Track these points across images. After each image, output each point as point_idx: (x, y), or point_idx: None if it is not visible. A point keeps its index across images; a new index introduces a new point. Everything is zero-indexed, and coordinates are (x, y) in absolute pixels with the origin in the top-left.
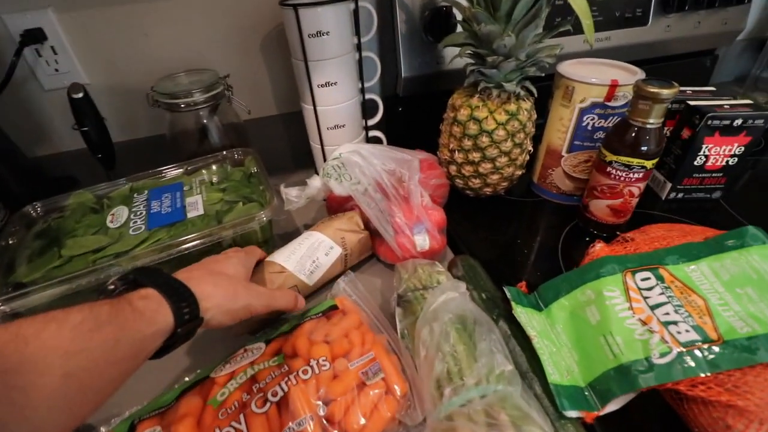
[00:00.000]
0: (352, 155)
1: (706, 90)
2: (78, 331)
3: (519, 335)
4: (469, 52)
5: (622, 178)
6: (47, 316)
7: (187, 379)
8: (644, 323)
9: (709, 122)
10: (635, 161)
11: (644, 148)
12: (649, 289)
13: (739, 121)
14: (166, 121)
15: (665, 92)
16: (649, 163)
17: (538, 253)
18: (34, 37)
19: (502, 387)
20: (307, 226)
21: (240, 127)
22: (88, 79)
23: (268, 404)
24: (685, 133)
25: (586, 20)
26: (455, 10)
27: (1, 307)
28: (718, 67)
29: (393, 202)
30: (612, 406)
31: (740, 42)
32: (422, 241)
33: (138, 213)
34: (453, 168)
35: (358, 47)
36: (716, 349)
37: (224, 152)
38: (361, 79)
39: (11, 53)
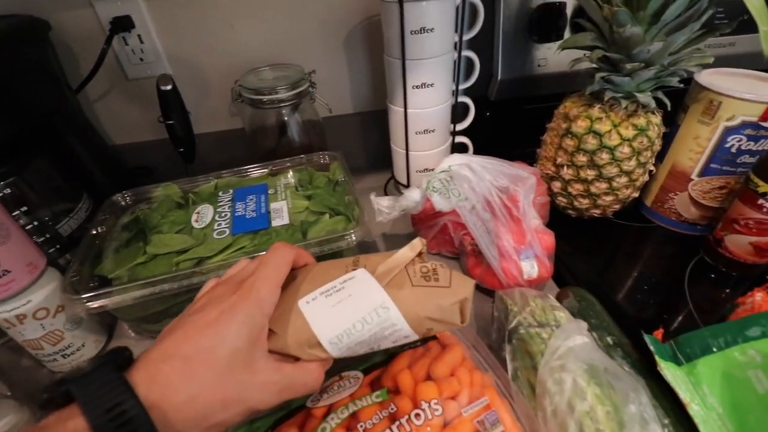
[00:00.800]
0: (461, 168)
1: None
2: None
3: (658, 393)
4: (599, 56)
5: None
6: None
7: None
8: None
9: None
10: None
11: None
12: None
13: None
14: (246, 116)
15: None
16: None
17: (661, 290)
18: (123, 25)
19: None
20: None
21: (318, 124)
22: (171, 69)
23: None
24: None
25: (764, 26)
26: (568, 8)
27: (87, 304)
28: None
29: (501, 222)
30: None
31: None
32: (530, 267)
33: (223, 214)
34: (557, 184)
35: (459, 44)
36: None
37: (307, 155)
38: (457, 80)
39: (99, 40)
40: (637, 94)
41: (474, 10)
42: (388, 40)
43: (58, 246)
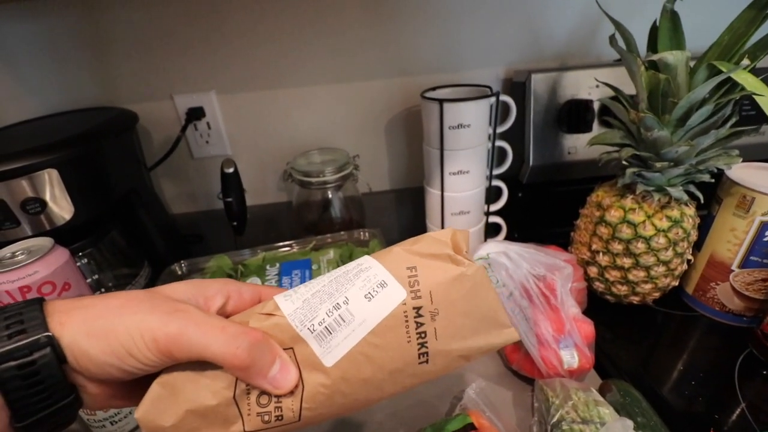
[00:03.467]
0: (499, 256)
1: None
2: None
3: None
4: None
5: None
6: None
7: None
8: None
9: None
10: None
11: None
12: None
13: None
14: (294, 192)
15: None
16: None
17: (709, 385)
18: (196, 114)
19: None
20: None
21: (358, 200)
22: (231, 149)
23: None
24: None
25: None
26: (595, 104)
27: None
28: None
29: (539, 309)
30: None
31: None
32: (570, 357)
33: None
34: (593, 270)
35: (492, 137)
36: None
37: (347, 232)
38: (491, 167)
39: (174, 126)
40: (668, 188)
41: (506, 107)
42: (427, 132)
43: None
